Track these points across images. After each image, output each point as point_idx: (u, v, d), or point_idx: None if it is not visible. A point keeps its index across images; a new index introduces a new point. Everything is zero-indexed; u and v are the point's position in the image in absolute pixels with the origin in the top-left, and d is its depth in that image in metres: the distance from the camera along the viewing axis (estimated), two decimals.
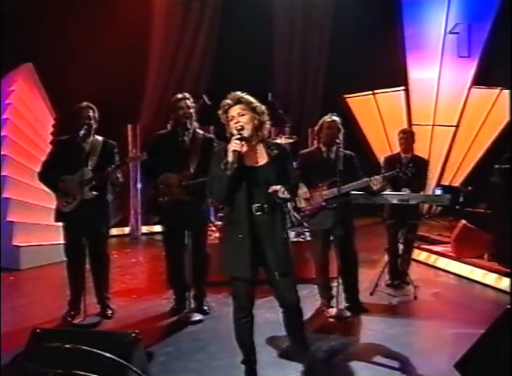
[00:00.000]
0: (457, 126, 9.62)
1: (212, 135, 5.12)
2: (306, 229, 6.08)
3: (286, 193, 3.33)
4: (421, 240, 7.20)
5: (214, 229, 6.30)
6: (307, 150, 5.31)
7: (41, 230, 6.72)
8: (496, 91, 9.21)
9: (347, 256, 5.05)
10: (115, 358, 2.86)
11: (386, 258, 5.87)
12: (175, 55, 8.84)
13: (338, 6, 9.27)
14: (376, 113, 9.88)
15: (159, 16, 8.55)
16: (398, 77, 9.63)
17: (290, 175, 3.51)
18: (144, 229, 8.71)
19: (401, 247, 5.84)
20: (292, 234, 5.91)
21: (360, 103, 9.92)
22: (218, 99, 3.49)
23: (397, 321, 4.89)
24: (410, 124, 9.52)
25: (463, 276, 6.28)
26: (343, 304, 5.08)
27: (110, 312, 4.97)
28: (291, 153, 3.68)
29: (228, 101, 3.40)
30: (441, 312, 5.27)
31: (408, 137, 5.84)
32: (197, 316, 4.87)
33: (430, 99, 9.67)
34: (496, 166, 6.51)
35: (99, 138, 4.86)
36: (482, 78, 9.39)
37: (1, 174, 6.79)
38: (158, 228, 6.94)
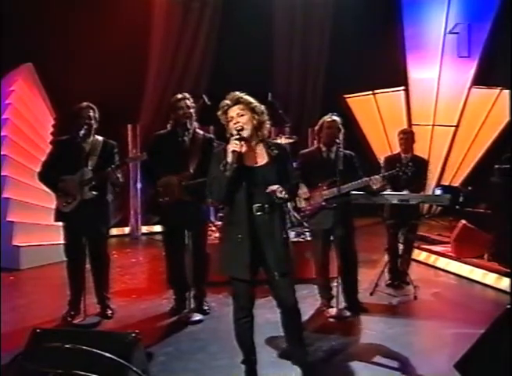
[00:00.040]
0: (457, 126, 9.62)
1: (212, 135, 5.12)
2: (306, 229, 6.09)
3: (283, 192, 3.32)
4: (421, 240, 7.20)
5: (214, 229, 6.30)
6: (307, 150, 5.31)
7: (41, 230, 6.72)
8: (496, 91, 9.21)
9: (347, 256, 5.06)
10: (115, 358, 2.86)
11: (386, 258, 5.87)
12: (175, 55, 8.84)
13: (338, 6, 9.27)
14: (376, 113, 9.88)
15: (159, 16, 8.55)
16: (398, 77, 9.63)
17: (290, 175, 3.51)
18: (144, 229, 8.70)
19: (401, 247, 5.84)
20: (292, 234, 5.92)
21: (360, 103, 9.92)
22: (218, 99, 3.48)
23: (397, 321, 4.89)
24: (410, 124, 9.52)
25: (463, 276, 6.28)
26: (343, 304, 5.08)
27: (110, 312, 4.97)
28: (291, 153, 3.68)
29: (227, 102, 3.39)
30: (441, 312, 5.27)
31: (408, 137, 5.84)
32: (197, 316, 4.87)
33: (430, 99, 9.67)
34: (496, 166, 6.51)
35: (99, 138, 4.86)
36: (482, 78, 9.39)
37: (1, 174, 6.79)
38: (158, 228, 6.94)
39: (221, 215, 6.18)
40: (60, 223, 4.91)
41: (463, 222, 6.72)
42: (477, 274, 6.13)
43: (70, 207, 4.72)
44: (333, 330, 4.71)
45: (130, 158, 6.06)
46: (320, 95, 9.70)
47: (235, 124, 3.36)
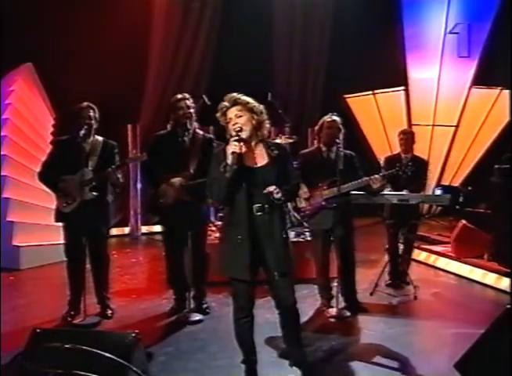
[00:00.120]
0: (457, 126, 9.63)
1: (212, 136, 5.12)
2: (306, 229, 6.09)
3: (279, 194, 3.32)
4: (421, 240, 7.19)
5: (214, 229, 6.30)
6: (307, 150, 5.31)
7: (41, 230, 6.72)
8: (496, 91, 9.22)
9: (346, 256, 5.06)
10: (115, 358, 2.86)
11: (386, 258, 5.87)
12: (175, 55, 8.84)
13: (338, 6, 9.27)
14: (376, 113, 9.88)
15: (159, 16, 8.55)
16: (398, 77, 9.63)
17: (291, 176, 3.51)
18: (144, 229, 8.70)
19: (401, 247, 5.84)
20: (292, 234, 5.92)
21: (360, 103, 9.92)
22: (218, 99, 3.48)
23: (397, 321, 4.89)
24: (410, 124, 9.53)
25: (463, 276, 6.28)
26: (343, 304, 5.09)
27: (110, 312, 4.97)
28: (291, 153, 3.68)
29: (225, 103, 3.39)
30: (441, 312, 5.27)
31: (408, 138, 5.85)
32: (197, 316, 4.87)
33: (430, 99, 9.67)
34: (496, 166, 6.51)
35: (100, 138, 4.86)
36: (482, 78, 9.39)
37: (1, 174, 6.79)
38: (158, 228, 6.94)
39: (221, 215, 6.18)
40: (60, 223, 4.91)
41: (463, 222, 6.72)
42: (477, 274, 6.13)
43: (71, 207, 4.72)
44: (333, 330, 4.71)
45: (130, 159, 6.06)
46: (320, 95, 9.70)
47: (233, 125, 3.36)
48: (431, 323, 5.00)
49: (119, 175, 4.82)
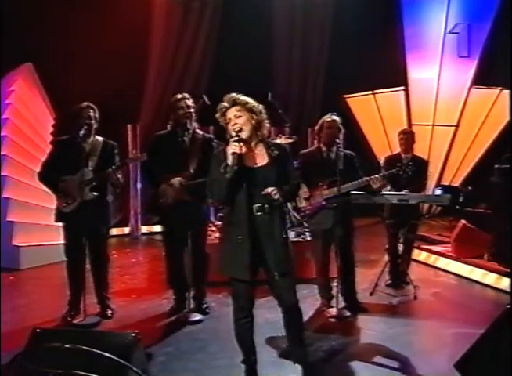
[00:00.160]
0: (457, 126, 9.62)
1: (212, 136, 5.12)
2: (306, 229, 6.09)
3: (277, 195, 3.33)
4: (421, 240, 7.19)
5: (214, 229, 6.30)
6: (307, 150, 5.31)
7: (41, 230, 6.72)
8: (496, 91, 9.21)
9: (346, 256, 5.06)
10: (115, 358, 2.86)
11: (386, 258, 5.87)
12: (175, 55, 8.84)
13: (338, 6, 9.27)
14: (376, 113, 9.88)
15: (159, 16, 8.55)
16: (398, 77, 9.63)
17: (291, 176, 3.51)
18: (144, 229, 8.70)
19: (401, 247, 5.84)
20: (292, 234, 5.91)
21: (360, 103, 9.92)
22: (218, 99, 3.48)
23: (397, 321, 4.89)
24: (410, 124, 9.52)
25: (463, 276, 6.28)
26: (343, 304, 5.09)
27: (110, 312, 4.97)
28: (291, 153, 3.68)
29: (225, 103, 3.39)
30: (441, 312, 5.27)
31: (408, 138, 5.85)
32: (197, 316, 4.87)
33: (430, 99, 9.67)
34: (496, 166, 6.51)
35: (100, 138, 4.86)
36: (482, 78, 9.39)
37: (1, 174, 6.79)
38: (158, 228, 6.94)
39: (221, 215, 6.17)
40: (60, 223, 4.91)
41: (463, 222, 6.72)
42: (477, 274, 6.13)
43: (71, 207, 4.72)
44: (333, 330, 4.71)
45: (130, 159, 6.06)
46: (320, 95, 9.70)
47: (233, 125, 3.36)
48: (431, 323, 5.00)
49: (119, 176, 4.82)
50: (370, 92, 9.82)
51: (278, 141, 6.13)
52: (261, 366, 3.63)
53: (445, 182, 9.61)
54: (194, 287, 4.98)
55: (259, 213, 3.37)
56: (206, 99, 5.95)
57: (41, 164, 4.93)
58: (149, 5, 8.40)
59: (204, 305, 5.06)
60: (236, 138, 3.31)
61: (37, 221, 6.71)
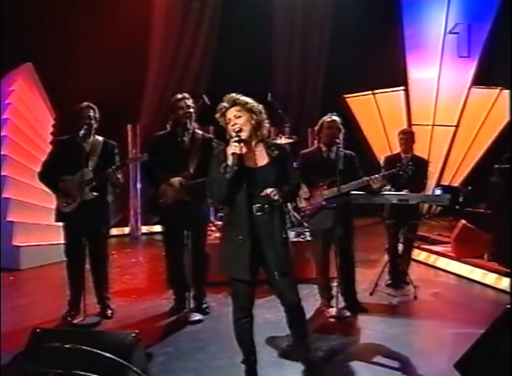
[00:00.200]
0: (457, 126, 9.62)
1: (212, 136, 5.12)
2: (306, 229, 6.08)
3: (276, 196, 3.33)
4: (421, 240, 7.19)
5: (214, 229, 6.30)
6: (307, 150, 5.31)
7: (41, 230, 6.72)
8: (496, 91, 9.21)
9: (346, 256, 5.06)
10: (115, 358, 2.86)
11: (386, 258, 5.87)
12: (175, 55, 8.85)
13: (338, 6, 9.27)
14: (376, 113, 9.88)
15: (159, 16, 8.55)
16: (398, 77, 9.63)
17: (291, 176, 3.51)
18: (144, 229, 8.71)
19: (401, 247, 5.84)
20: (292, 234, 5.91)
21: (360, 103, 9.92)
22: (218, 99, 3.48)
23: (397, 321, 4.89)
24: (410, 124, 9.53)
25: (463, 276, 6.28)
26: (343, 304, 5.09)
27: (110, 312, 4.97)
28: (291, 153, 3.68)
29: (225, 104, 3.39)
30: (441, 312, 5.27)
31: (408, 137, 5.84)
32: (197, 316, 4.87)
33: (430, 99, 9.67)
34: (496, 166, 6.50)
35: (100, 138, 4.86)
36: (482, 78, 9.39)
37: (1, 174, 6.79)
38: (158, 228, 6.94)
39: (221, 215, 6.19)
40: (60, 223, 4.91)
41: (463, 222, 6.72)
42: (477, 274, 6.13)
43: (71, 207, 4.72)
44: (333, 330, 4.71)
45: (130, 159, 6.06)
46: (320, 95, 9.70)
47: (233, 125, 3.36)
48: (431, 323, 4.99)
49: (119, 176, 4.82)
50: (370, 92, 9.82)
51: (278, 141, 6.13)
52: (261, 366, 3.63)
53: (445, 182, 9.61)
54: (194, 287, 4.98)
55: (259, 213, 3.37)
56: (206, 99, 5.94)
57: (41, 164, 4.93)
58: (149, 5, 8.40)
59: (204, 305, 5.06)
60: (237, 138, 3.31)
61: (37, 221, 6.72)
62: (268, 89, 6.78)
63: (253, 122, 3.39)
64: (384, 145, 9.51)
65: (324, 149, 5.04)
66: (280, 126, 7.50)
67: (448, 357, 3.70)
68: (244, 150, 3.35)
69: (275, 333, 4.35)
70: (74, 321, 4.76)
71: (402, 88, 9.74)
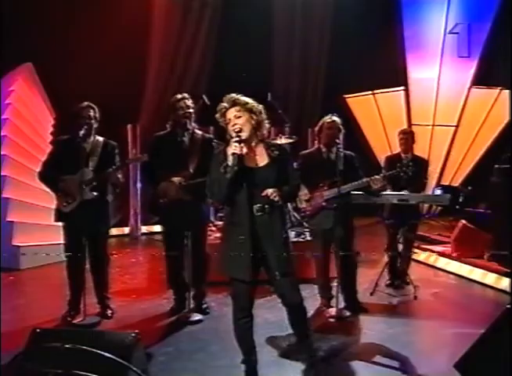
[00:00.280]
0: (457, 126, 9.63)
1: (211, 136, 5.12)
2: (306, 229, 6.08)
3: (277, 197, 3.33)
4: (421, 240, 7.20)
5: (214, 229, 6.30)
6: (307, 151, 5.32)
7: (41, 230, 6.71)
8: (496, 91, 9.22)
9: (346, 256, 5.05)
10: (115, 358, 2.86)
11: (386, 258, 5.87)
12: (175, 55, 8.85)
13: (338, 6, 9.27)
14: (376, 113, 9.88)
15: (159, 16, 8.55)
16: (398, 77, 9.64)
17: (291, 176, 3.52)
18: (144, 229, 8.71)
19: (401, 246, 5.84)
20: (292, 234, 5.91)
21: (360, 103, 9.92)
22: (218, 99, 3.48)
23: (397, 321, 4.89)
24: (410, 124, 9.53)
25: (463, 276, 6.28)
26: (343, 304, 5.09)
27: (110, 312, 4.96)
28: (291, 154, 3.68)
29: (224, 104, 3.40)
30: (441, 312, 5.27)
31: (408, 137, 5.84)
32: (197, 316, 4.87)
33: (430, 99, 9.68)
34: (496, 166, 6.51)
35: (100, 138, 4.85)
36: (482, 78, 9.39)
37: (1, 174, 6.79)
38: (158, 228, 6.93)
39: (221, 215, 6.19)
40: (60, 223, 4.91)
41: (463, 222, 6.72)
42: (477, 274, 6.13)
43: (71, 207, 4.72)
44: (333, 330, 4.71)
45: (131, 159, 6.06)
46: (320, 96, 9.70)
47: (233, 126, 3.36)
48: (431, 323, 4.99)
49: (119, 176, 4.82)
50: (370, 92, 9.83)
51: (278, 141, 6.13)
52: (261, 366, 3.63)
53: (445, 182, 9.62)
54: (194, 287, 4.98)
55: (259, 213, 3.37)
56: (206, 99, 5.95)
57: (42, 163, 4.93)
58: (149, 5, 8.40)
59: (204, 305, 5.05)
60: (237, 138, 3.32)
61: (37, 221, 6.71)
62: (269, 89, 6.78)
63: (253, 122, 3.39)
64: (383, 145, 9.51)
65: (324, 149, 5.03)
66: (280, 126, 7.50)
67: (448, 357, 3.70)
68: (245, 150, 3.35)
69: (276, 333, 4.35)
70: (74, 321, 4.76)
71: (402, 88, 9.75)
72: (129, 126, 8.43)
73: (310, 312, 4.92)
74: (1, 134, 6.92)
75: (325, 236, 5.00)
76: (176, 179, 4.74)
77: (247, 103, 3.39)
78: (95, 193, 4.69)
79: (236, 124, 3.36)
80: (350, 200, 4.99)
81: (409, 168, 5.15)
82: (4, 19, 7.17)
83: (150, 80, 8.65)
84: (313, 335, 3.76)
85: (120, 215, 8.24)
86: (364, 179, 4.93)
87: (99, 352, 2.86)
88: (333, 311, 5.00)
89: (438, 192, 8.81)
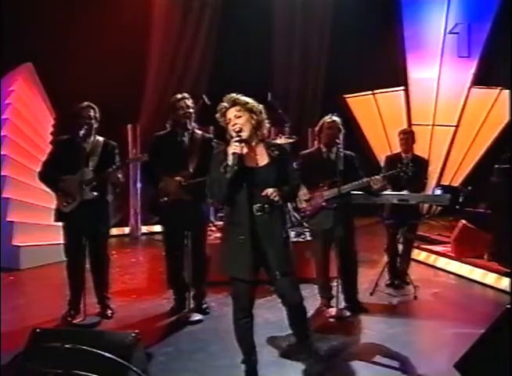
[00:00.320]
0: (457, 126, 9.62)
1: (211, 135, 5.12)
2: (306, 229, 6.08)
3: (277, 197, 3.33)
4: (421, 240, 7.20)
5: (214, 229, 6.30)
6: (307, 151, 5.32)
7: (41, 230, 6.71)
8: (496, 91, 9.21)
9: (347, 256, 5.06)
10: (115, 358, 2.86)
11: (386, 258, 5.87)
12: (175, 55, 8.85)
13: (338, 6, 9.27)
14: (376, 113, 9.88)
15: (159, 16, 8.55)
16: (398, 77, 9.64)
17: (291, 176, 3.52)
18: (144, 229, 8.70)
19: (400, 246, 5.84)
20: (292, 234, 5.91)
21: (360, 103, 9.92)
22: (218, 99, 3.49)
23: (397, 321, 4.89)
24: (410, 124, 9.52)
25: (463, 276, 6.28)
26: (343, 304, 5.09)
27: (110, 312, 4.96)
28: (291, 154, 3.68)
29: (225, 104, 3.40)
30: (441, 312, 5.28)
31: (408, 137, 5.84)
32: (197, 316, 4.87)
33: (430, 99, 9.67)
34: (496, 166, 6.51)
35: (100, 138, 4.86)
36: (482, 78, 9.39)
37: (1, 174, 6.79)
38: (158, 228, 6.94)
39: (221, 215, 6.18)
40: (60, 223, 4.91)
41: (463, 222, 6.72)
42: (477, 274, 6.13)
43: (71, 207, 4.72)
44: (333, 330, 4.71)
45: (131, 159, 6.06)
46: (320, 96, 9.70)
47: (233, 125, 3.36)
48: (431, 323, 5.00)
49: (119, 176, 4.82)
50: (370, 92, 9.82)
51: (278, 141, 6.13)
52: (261, 366, 3.63)
53: (445, 182, 9.61)
54: (194, 287, 4.98)
55: (260, 213, 3.37)
56: (206, 99, 5.95)
57: (42, 163, 4.93)
58: (149, 5, 8.40)
59: (204, 305, 5.05)
60: (238, 138, 3.32)
61: (37, 221, 6.71)
62: (269, 89, 6.78)
63: (253, 122, 3.39)
64: (383, 145, 9.51)
65: (324, 149, 5.03)
66: (280, 126, 7.50)
67: (448, 357, 3.71)
68: (245, 149, 3.35)
69: (276, 333, 4.35)
70: (74, 321, 4.76)
71: (402, 88, 9.74)
72: (129, 126, 8.43)
73: (310, 312, 4.93)
74: (1, 134, 6.92)
75: (325, 236, 5.00)
76: (176, 179, 4.74)
77: (248, 103, 3.39)
78: (95, 193, 4.70)
79: (236, 123, 3.36)
80: (350, 200, 4.99)
81: (409, 168, 5.15)
82: (4, 19, 7.17)
83: (150, 80, 8.65)
84: (313, 335, 3.77)
85: (120, 215, 8.24)
86: (364, 179, 4.93)
87: (99, 352, 2.86)
88: (333, 311, 5.00)
89: (438, 192, 8.81)
